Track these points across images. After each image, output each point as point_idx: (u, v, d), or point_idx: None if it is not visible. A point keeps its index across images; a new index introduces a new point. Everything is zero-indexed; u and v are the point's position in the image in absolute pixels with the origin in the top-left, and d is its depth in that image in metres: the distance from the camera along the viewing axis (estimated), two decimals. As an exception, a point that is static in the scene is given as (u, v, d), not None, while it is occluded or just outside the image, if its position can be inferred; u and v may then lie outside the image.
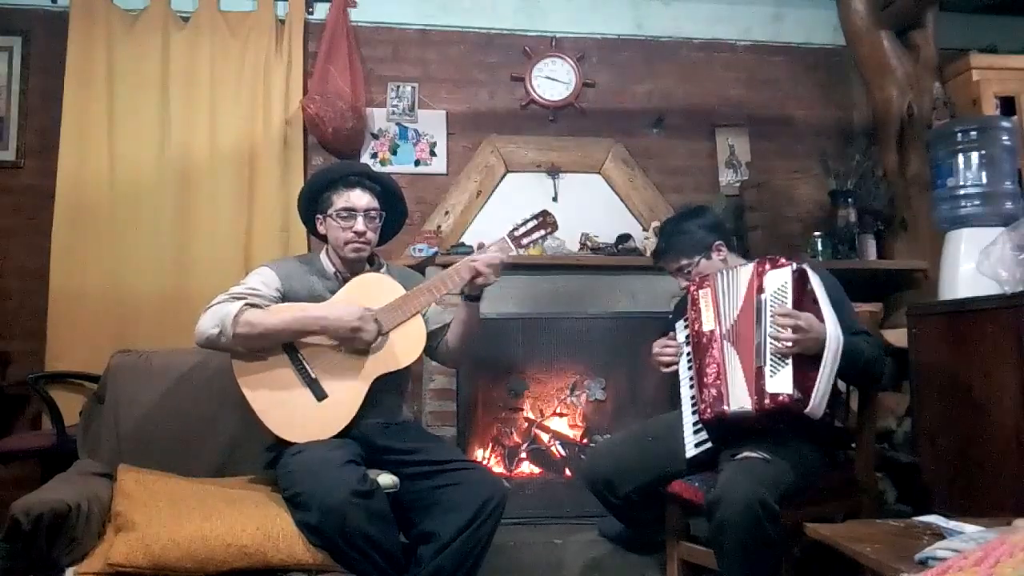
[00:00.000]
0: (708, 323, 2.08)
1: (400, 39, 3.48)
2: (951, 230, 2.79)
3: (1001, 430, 2.07)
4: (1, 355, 3.06)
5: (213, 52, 3.23)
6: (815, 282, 1.97)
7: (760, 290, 2.00)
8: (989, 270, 2.14)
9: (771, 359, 1.91)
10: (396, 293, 2.07)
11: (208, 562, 1.69)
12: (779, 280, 1.99)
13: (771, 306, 1.96)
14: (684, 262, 2.27)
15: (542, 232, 2.18)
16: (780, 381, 1.89)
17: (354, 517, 1.74)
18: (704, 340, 2.07)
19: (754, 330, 1.97)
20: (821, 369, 1.86)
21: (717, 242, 2.27)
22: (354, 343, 1.98)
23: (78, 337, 2.99)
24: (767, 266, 2.03)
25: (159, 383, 2.28)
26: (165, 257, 3.11)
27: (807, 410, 1.86)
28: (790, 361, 1.89)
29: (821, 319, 1.89)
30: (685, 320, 2.20)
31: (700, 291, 2.14)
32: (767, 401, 1.89)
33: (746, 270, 2.08)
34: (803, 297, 1.96)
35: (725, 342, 2.03)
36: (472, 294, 2.13)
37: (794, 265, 2.00)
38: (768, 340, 1.93)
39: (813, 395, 1.85)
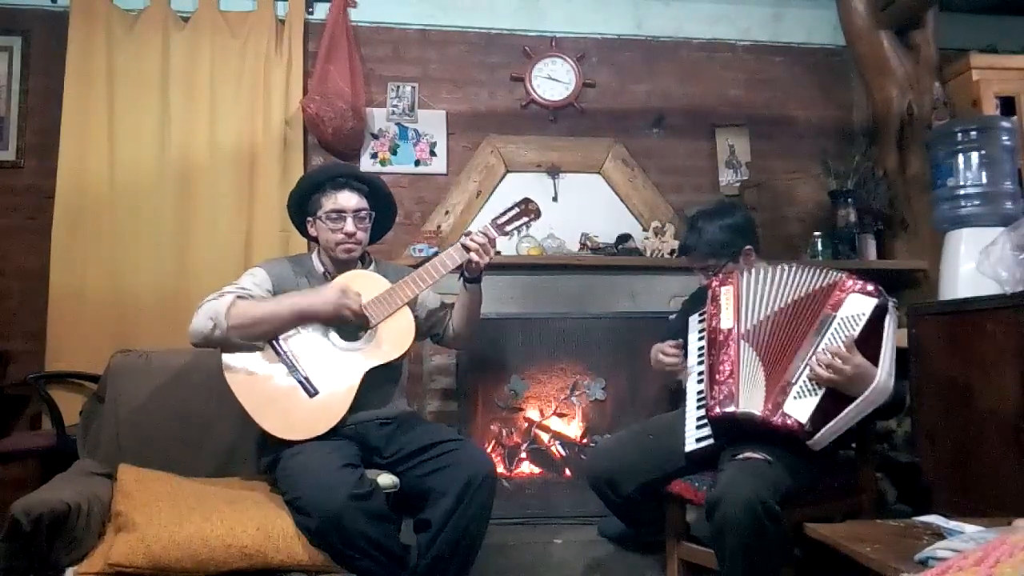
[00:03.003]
0: (727, 321, 2.05)
1: (400, 39, 3.48)
2: (951, 230, 2.79)
3: (1001, 430, 2.06)
4: (1, 355, 3.06)
5: (213, 52, 3.23)
6: (889, 324, 1.90)
7: (834, 307, 1.93)
8: (989, 270, 2.14)
9: (804, 381, 1.87)
10: (382, 287, 2.08)
11: (208, 562, 1.69)
12: (859, 307, 1.90)
13: (836, 329, 1.89)
14: (711, 262, 2.24)
15: (524, 220, 2.20)
16: (800, 407, 1.85)
17: (353, 520, 1.74)
18: (720, 337, 2.04)
19: (802, 342, 1.92)
20: (845, 412, 1.82)
21: (747, 247, 2.25)
22: (343, 316, 1.99)
23: (78, 337, 2.99)
24: (855, 285, 1.94)
25: (159, 383, 2.28)
26: (165, 257, 3.11)
27: (810, 442, 1.84)
28: (821, 393, 1.84)
29: (876, 362, 1.84)
30: (701, 315, 2.18)
31: (722, 288, 2.11)
32: (776, 418, 1.87)
33: (823, 276, 1.99)
34: (871, 334, 1.87)
35: (743, 342, 2.01)
36: (471, 277, 2.15)
37: (881, 299, 1.91)
38: (812, 361, 1.87)
39: (823, 431, 1.83)
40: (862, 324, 1.87)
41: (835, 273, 2.01)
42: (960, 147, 2.79)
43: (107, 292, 3.05)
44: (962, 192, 2.77)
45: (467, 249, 2.09)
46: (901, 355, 2.75)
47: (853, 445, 2.20)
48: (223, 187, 3.18)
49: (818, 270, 2.04)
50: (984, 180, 2.74)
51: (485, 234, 2.11)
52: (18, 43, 3.23)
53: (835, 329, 1.89)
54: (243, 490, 2.00)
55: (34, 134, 3.21)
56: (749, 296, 2.06)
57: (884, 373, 1.83)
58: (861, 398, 1.81)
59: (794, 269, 2.06)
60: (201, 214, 3.16)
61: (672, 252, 3.17)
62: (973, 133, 2.79)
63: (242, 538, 1.72)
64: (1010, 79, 3.33)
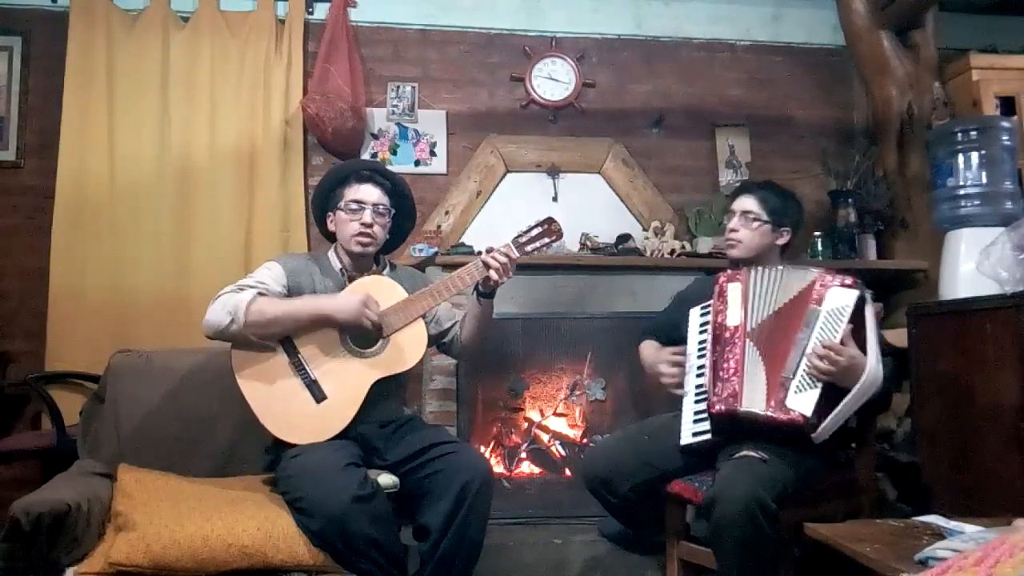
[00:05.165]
0: (734, 318, 2.05)
1: (400, 39, 3.48)
2: (951, 230, 2.79)
3: (1001, 430, 2.06)
4: (1, 355, 3.06)
5: (213, 52, 3.23)
6: (870, 313, 1.94)
7: (817, 302, 1.96)
8: (989, 270, 2.14)
9: (802, 376, 1.90)
10: (398, 296, 2.07)
11: (209, 562, 1.69)
12: (842, 300, 1.94)
13: (823, 324, 1.93)
14: (755, 210, 2.20)
15: (547, 240, 2.16)
16: (802, 401, 1.88)
17: (355, 522, 1.74)
18: (727, 334, 2.04)
19: (794, 339, 1.94)
20: (844, 403, 1.85)
21: (787, 228, 2.23)
22: (362, 324, 1.98)
23: (78, 337, 2.99)
24: (834, 280, 1.98)
25: (159, 383, 2.28)
26: (165, 257, 3.11)
27: (814, 434, 1.86)
28: (820, 386, 1.88)
29: (865, 351, 1.88)
30: (704, 309, 2.18)
31: (730, 284, 2.11)
32: (781, 415, 1.88)
33: (806, 275, 2.03)
34: (856, 325, 1.92)
35: (748, 341, 2.01)
36: (485, 291, 2.14)
37: (860, 290, 1.96)
38: (807, 357, 1.90)
39: (826, 422, 1.86)
40: (848, 316, 1.91)
41: (813, 270, 2.06)
42: (960, 147, 2.79)
43: (107, 292, 3.05)
44: (962, 192, 2.77)
45: (487, 267, 2.06)
46: (901, 355, 2.77)
47: (853, 445, 2.20)
48: (223, 187, 3.18)
49: (801, 269, 2.09)
50: (984, 180, 2.74)
51: (507, 254, 2.07)
52: (18, 43, 3.23)
53: (823, 323, 1.93)
54: (243, 490, 2.00)
55: (34, 134, 3.21)
56: (755, 294, 2.07)
57: (873, 361, 1.87)
58: (856, 387, 1.85)
59: (787, 269, 2.10)
60: (201, 214, 3.15)
61: (672, 252, 3.17)
62: (973, 133, 2.79)
63: (242, 538, 1.72)
64: (1010, 79, 3.33)
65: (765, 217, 2.20)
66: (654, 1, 3.63)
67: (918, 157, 3.23)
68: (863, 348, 1.91)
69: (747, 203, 2.23)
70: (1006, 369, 2.06)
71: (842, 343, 1.89)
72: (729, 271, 2.17)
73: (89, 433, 2.24)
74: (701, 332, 2.15)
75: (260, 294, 1.97)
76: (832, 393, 1.87)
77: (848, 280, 1.98)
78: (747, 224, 2.21)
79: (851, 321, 1.91)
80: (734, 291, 2.09)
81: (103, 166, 3.10)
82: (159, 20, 3.21)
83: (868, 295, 1.97)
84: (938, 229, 2.90)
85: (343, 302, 1.98)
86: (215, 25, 3.25)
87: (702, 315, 2.18)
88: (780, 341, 1.97)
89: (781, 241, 2.23)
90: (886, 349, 2.83)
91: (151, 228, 3.11)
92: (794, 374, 1.90)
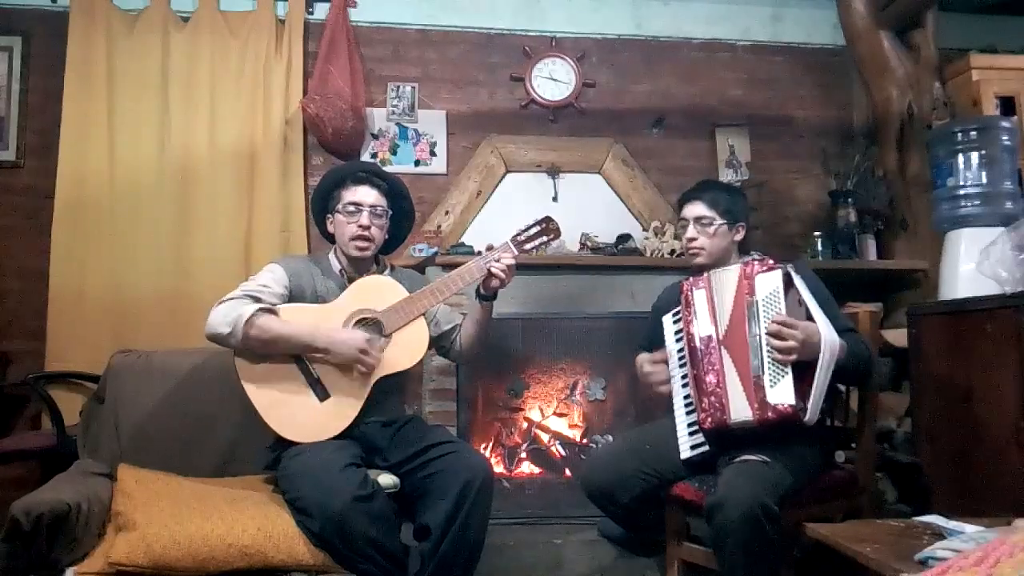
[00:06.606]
0: (705, 327, 2.04)
1: (400, 39, 3.48)
2: (951, 230, 2.79)
3: (1001, 430, 2.07)
4: (1, 355, 3.06)
5: (213, 52, 3.23)
6: (799, 284, 1.95)
7: (750, 292, 1.97)
8: (989, 270, 2.14)
9: (770, 367, 1.89)
10: (399, 295, 2.08)
11: (209, 562, 1.69)
12: (771, 284, 1.95)
13: (764, 311, 1.93)
14: (708, 214, 2.20)
15: (545, 239, 2.20)
16: (781, 391, 1.87)
17: (355, 522, 1.75)
18: (702, 345, 2.03)
19: (748, 336, 1.94)
20: (816, 376, 1.84)
21: (742, 223, 2.23)
22: (357, 367, 1.99)
23: (78, 337, 2.99)
24: (756, 267, 2.00)
25: (159, 383, 2.28)
26: (165, 257, 3.11)
27: (806, 418, 1.85)
28: (790, 370, 1.87)
29: (811, 321, 1.88)
30: (675, 316, 2.17)
31: (695, 291, 2.10)
32: (769, 413, 1.88)
33: (733, 271, 2.04)
34: (790, 300, 1.94)
35: (723, 348, 2.01)
36: (487, 294, 2.15)
37: (782, 267, 1.98)
38: (766, 348, 1.90)
39: (811, 403, 1.84)
40: (782, 296, 1.93)
41: (737, 265, 2.07)
42: (960, 147, 2.79)
43: (107, 292, 3.05)
44: (962, 192, 2.77)
45: (491, 274, 2.08)
46: (901, 355, 2.78)
47: (853, 445, 2.20)
48: (223, 187, 3.17)
49: (733, 266, 2.09)
50: (984, 180, 2.75)
51: (510, 256, 2.09)
52: (18, 43, 3.23)
53: (763, 311, 1.93)
54: (243, 490, 2.00)
55: (34, 134, 3.21)
56: (719, 300, 2.05)
57: (823, 325, 1.87)
58: (821, 356, 1.84)
59: (729, 267, 2.09)
60: (201, 214, 3.15)
61: (672, 252, 3.17)
62: (973, 133, 2.79)
63: (242, 537, 1.72)
64: (1010, 79, 3.33)
65: (720, 220, 2.20)
66: (654, 1, 3.63)
67: (918, 157, 3.24)
68: (811, 316, 1.91)
69: (698, 209, 2.22)
70: (1006, 369, 2.06)
71: (789, 321, 1.88)
72: (692, 277, 2.16)
73: (89, 433, 2.25)
74: (677, 341, 2.15)
75: (263, 310, 1.97)
76: (802, 372, 1.87)
77: (769, 262, 2.01)
78: (704, 231, 2.20)
79: (788, 297, 1.93)
80: (700, 299, 2.08)
81: (103, 166, 3.10)
82: (159, 20, 3.21)
83: (791, 268, 1.98)
84: (938, 229, 2.90)
85: (342, 341, 1.98)
86: (215, 25, 3.25)
87: (675, 322, 2.18)
88: (740, 342, 1.97)
89: (738, 238, 2.24)
90: (888, 349, 2.85)
91: (151, 228, 3.11)
92: (763, 369, 1.90)
